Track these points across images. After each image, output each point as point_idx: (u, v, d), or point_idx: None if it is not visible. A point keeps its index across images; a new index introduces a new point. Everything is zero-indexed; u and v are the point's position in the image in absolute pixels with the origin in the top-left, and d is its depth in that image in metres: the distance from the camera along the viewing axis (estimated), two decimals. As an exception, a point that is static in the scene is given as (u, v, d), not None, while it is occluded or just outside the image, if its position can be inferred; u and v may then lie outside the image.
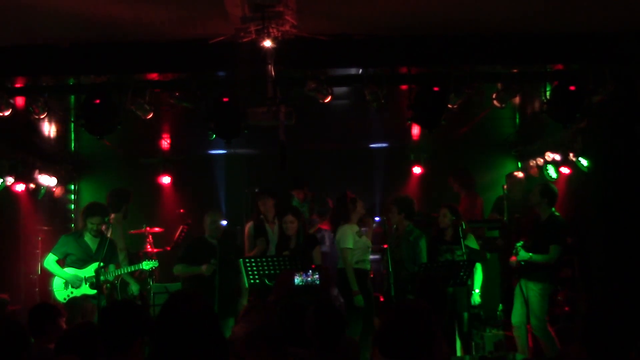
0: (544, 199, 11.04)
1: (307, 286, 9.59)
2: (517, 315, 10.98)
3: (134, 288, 11.81)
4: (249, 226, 12.02)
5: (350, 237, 11.12)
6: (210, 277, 10.98)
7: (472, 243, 11.36)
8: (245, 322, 5.38)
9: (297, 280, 9.62)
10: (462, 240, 10.81)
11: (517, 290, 10.98)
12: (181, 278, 11.84)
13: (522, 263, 10.82)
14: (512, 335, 11.09)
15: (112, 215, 12.20)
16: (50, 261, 11.17)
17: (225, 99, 10.26)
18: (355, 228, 11.19)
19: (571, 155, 12.56)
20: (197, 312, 4.21)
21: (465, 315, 10.79)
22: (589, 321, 4.60)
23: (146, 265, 11.54)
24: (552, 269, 10.98)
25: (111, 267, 11.25)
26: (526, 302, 10.82)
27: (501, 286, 12.26)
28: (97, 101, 10.15)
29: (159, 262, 12.14)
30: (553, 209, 11.03)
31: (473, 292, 11.06)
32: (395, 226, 11.46)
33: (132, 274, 11.74)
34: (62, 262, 11.20)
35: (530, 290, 10.81)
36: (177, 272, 11.54)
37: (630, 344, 4.70)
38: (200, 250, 11.31)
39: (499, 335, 11.38)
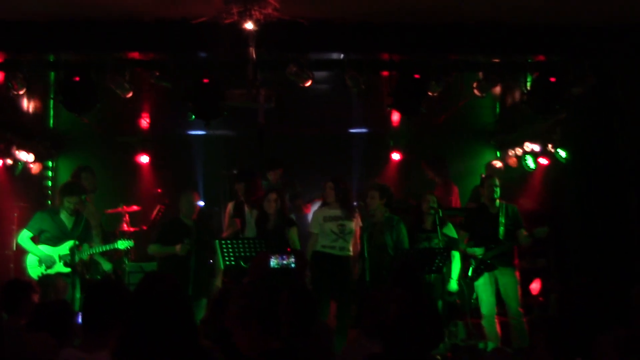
0: (497, 191, 11.16)
1: (282, 269, 9.59)
2: (487, 305, 11.04)
3: (106, 266, 11.75)
4: (230, 205, 11.99)
5: (314, 221, 11.16)
6: (185, 258, 10.94)
7: (451, 232, 11.39)
8: (240, 299, 5.37)
9: (273, 262, 9.61)
10: (438, 228, 10.85)
11: (483, 281, 11.04)
12: (156, 258, 11.82)
13: (483, 258, 10.99)
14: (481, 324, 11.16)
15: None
16: (24, 237, 11.08)
17: (205, 80, 10.24)
18: (329, 212, 11.15)
19: (550, 146, 12.63)
20: (168, 293, 4.18)
21: (440, 303, 10.83)
22: (559, 312, 4.64)
23: (121, 244, 11.46)
24: (524, 255, 11.15)
25: (85, 245, 11.18)
26: (498, 292, 10.92)
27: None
28: (77, 79, 10.11)
29: (135, 241, 12.10)
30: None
31: (450, 279, 11.11)
32: (372, 212, 11.46)
33: (105, 253, 11.67)
34: (36, 239, 11.13)
35: (509, 277, 10.90)
36: (152, 252, 11.50)
37: (593, 334, 4.77)
38: (175, 230, 11.28)
39: (472, 323, 11.45)
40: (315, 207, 11.91)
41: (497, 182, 11.26)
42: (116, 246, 11.42)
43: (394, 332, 5.09)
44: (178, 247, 10.93)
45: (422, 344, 5.04)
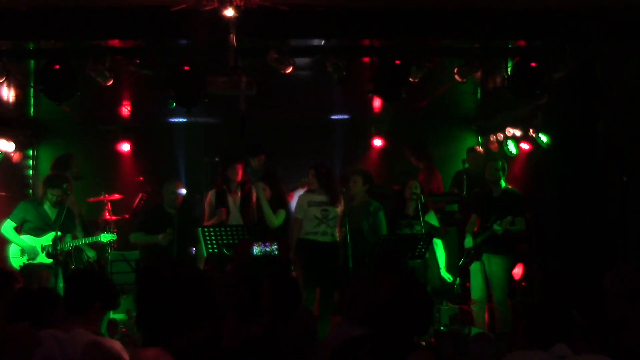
0: (500, 174, 11.14)
1: (265, 256, 9.58)
2: (478, 290, 11.10)
3: (90, 254, 11.74)
4: (210, 194, 11.96)
5: (298, 206, 11.28)
6: (168, 246, 10.97)
7: (432, 219, 11.42)
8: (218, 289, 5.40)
9: (256, 250, 9.60)
10: (421, 215, 10.86)
11: (474, 267, 11.10)
12: (139, 246, 11.81)
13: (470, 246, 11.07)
14: (467, 309, 11.19)
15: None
16: (7, 227, 11.07)
17: (186, 67, 10.21)
18: (313, 197, 11.16)
19: (531, 131, 12.66)
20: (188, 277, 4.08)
21: (428, 288, 10.88)
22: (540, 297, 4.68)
23: (104, 237, 11.42)
24: (513, 242, 11.16)
25: (68, 236, 11.17)
26: (487, 277, 10.98)
27: (458, 260, 12.32)
28: (57, 67, 10.06)
29: (117, 230, 12.09)
30: (505, 183, 11.19)
31: (441, 269, 11.18)
32: (353, 197, 11.48)
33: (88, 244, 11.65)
34: (19, 229, 11.11)
35: (496, 265, 10.97)
36: (134, 240, 11.51)
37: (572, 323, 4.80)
38: (158, 219, 11.29)
39: (454, 309, 11.48)
40: (298, 194, 11.90)
41: (500, 164, 11.22)
42: (99, 239, 11.40)
43: (384, 316, 5.10)
44: (160, 237, 10.93)
45: (412, 329, 5.06)
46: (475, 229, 11.40)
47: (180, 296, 3.67)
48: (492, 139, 14.66)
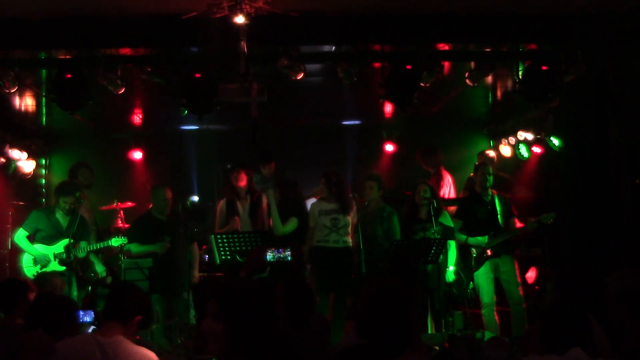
0: (491, 179, 11.23)
1: (279, 262, 9.58)
2: (488, 294, 11.08)
3: (99, 268, 11.75)
4: (222, 203, 11.99)
5: (311, 215, 11.30)
6: (169, 255, 11.02)
7: (447, 220, 11.40)
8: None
9: (269, 256, 9.59)
10: (433, 218, 10.85)
11: (483, 270, 11.07)
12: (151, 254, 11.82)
13: (486, 246, 11.06)
14: (480, 313, 11.17)
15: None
16: (20, 236, 11.10)
17: (197, 75, 10.24)
18: (324, 206, 11.17)
19: (543, 134, 12.65)
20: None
21: (439, 292, 10.85)
22: (553, 300, 4.62)
23: (115, 242, 11.43)
24: (518, 243, 11.23)
25: (82, 243, 11.18)
26: (496, 280, 10.98)
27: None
28: (69, 76, 10.10)
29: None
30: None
31: (447, 269, 11.13)
32: (367, 203, 11.49)
33: (100, 250, 11.66)
34: (31, 238, 11.13)
35: (511, 264, 11.00)
36: (135, 252, 11.47)
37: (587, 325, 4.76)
38: (148, 227, 11.30)
39: (469, 313, 11.46)
40: (311, 202, 11.90)
41: (490, 170, 11.29)
42: (110, 243, 11.41)
43: (362, 321, 5.06)
44: (157, 247, 10.98)
45: (394, 334, 4.99)
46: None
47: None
48: (503, 142, 14.63)
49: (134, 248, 11.35)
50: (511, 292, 11.04)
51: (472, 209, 11.45)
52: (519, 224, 11.32)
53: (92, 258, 11.64)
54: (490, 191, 11.29)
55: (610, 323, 5.62)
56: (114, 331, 5.49)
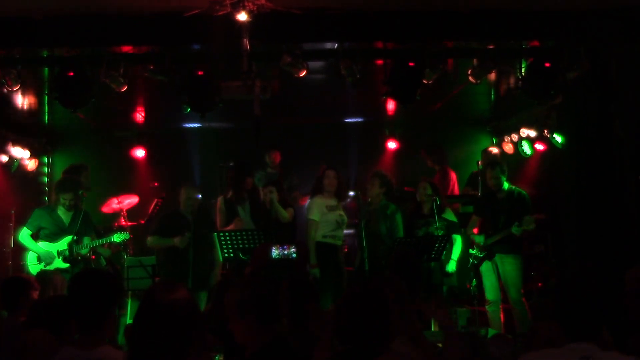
0: (500, 180, 11.15)
1: (283, 260, 9.59)
2: (492, 291, 11.08)
3: (105, 253, 11.77)
4: (220, 200, 11.99)
5: (316, 209, 11.15)
6: (184, 251, 10.93)
7: (450, 216, 11.41)
8: (239, 289, 5.34)
9: (274, 253, 9.62)
10: (435, 214, 10.85)
11: (487, 267, 11.07)
12: (155, 251, 11.80)
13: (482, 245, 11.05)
14: (483, 310, 11.16)
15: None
16: (24, 235, 11.11)
17: (200, 73, 10.23)
18: (328, 202, 11.17)
19: (545, 131, 12.63)
20: (178, 303, 3.96)
21: (444, 288, 10.88)
22: (560, 297, 4.57)
23: (117, 237, 11.43)
24: (522, 241, 11.15)
25: (86, 239, 11.18)
26: (500, 277, 10.96)
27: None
28: (71, 74, 10.09)
29: (133, 235, 12.11)
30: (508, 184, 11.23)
31: (450, 260, 11.12)
32: (369, 200, 11.49)
33: (103, 246, 11.66)
34: (35, 236, 11.14)
35: (509, 265, 10.94)
36: (150, 244, 11.48)
37: (601, 319, 4.70)
38: (175, 223, 11.26)
39: (472, 310, 11.46)
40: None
41: (499, 170, 11.19)
42: (112, 239, 11.40)
43: (337, 324, 5.01)
44: (177, 240, 10.90)
45: (368, 338, 4.87)
46: (476, 230, 11.40)
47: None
48: (506, 139, 14.63)
49: (153, 240, 11.35)
50: (508, 292, 11.03)
51: (484, 208, 11.45)
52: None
53: (100, 250, 11.64)
54: (507, 186, 11.18)
55: (629, 318, 5.61)
56: (94, 339, 4.59)
